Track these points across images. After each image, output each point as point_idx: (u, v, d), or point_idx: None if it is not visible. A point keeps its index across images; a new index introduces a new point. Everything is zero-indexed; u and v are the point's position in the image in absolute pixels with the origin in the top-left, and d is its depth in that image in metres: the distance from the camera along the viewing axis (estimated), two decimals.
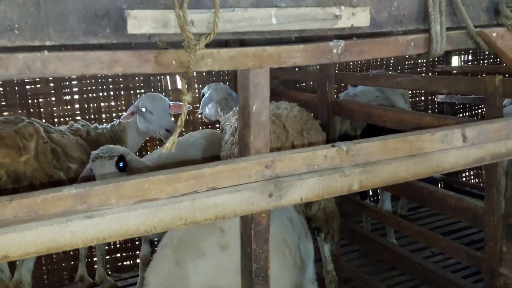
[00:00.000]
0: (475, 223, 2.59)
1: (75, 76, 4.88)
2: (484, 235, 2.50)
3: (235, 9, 1.38)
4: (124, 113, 4.90)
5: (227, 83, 4.98)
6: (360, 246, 4.05)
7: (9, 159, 3.40)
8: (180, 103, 4.47)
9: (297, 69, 5.49)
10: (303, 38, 1.55)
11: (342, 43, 1.53)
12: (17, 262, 3.74)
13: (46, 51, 1.22)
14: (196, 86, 5.45)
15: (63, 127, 4.07)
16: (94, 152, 3.42)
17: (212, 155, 4.45)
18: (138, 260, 5.32)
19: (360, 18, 1.49)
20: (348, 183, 1.57)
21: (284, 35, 1.47)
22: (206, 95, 4.41)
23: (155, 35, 1.31)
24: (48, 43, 1.20)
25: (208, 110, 4.54)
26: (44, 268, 5.02)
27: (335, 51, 1.53)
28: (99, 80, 5.00)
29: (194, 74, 5.38)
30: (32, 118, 3.77)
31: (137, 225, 1.33)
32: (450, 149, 1.72)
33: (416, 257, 3.11)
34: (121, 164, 3.63)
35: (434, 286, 2.91)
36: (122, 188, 1.33)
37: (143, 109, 4.14)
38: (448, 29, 1.69)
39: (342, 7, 1.46)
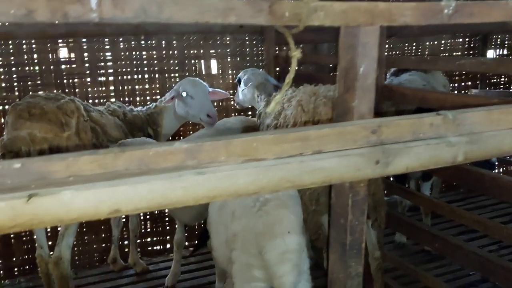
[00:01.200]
0: None
1: (110, 57, 4.83)
2: None
3: None
4: (158, 97, 4.85)
5: (262, 70, 4.90)
6: (407, 235, 3.97)
7: (52, 134, 3.36)
8: (220, 90, 4.42)
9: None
10: None
11: (453, 3, 1.44)
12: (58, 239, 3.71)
13: None
14: (230, 71, 5.37)
15: (100, 108, 4.02)
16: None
17: None
18: (168, 245, 5.29)
19: None
20: (453, 153, 1.49)
21: None
22: (245, 78, 4.30)
23: None
24: None
25: (243, 96, 4.44)
26: (75, 249, 4.98)
27: (446, 11, 1.44)
28: (134, 62, 4.94)
29: (229, 59, 5.32)
30: (72, 96, 3.72)
31: (246, 185, 1.26)
32: None
33: (471, 247, 3.02)
34: None
35: (492, 276, 2.81)
36: (232, 146, 1.25)
37: (184, 94, 4.06)
38: None
39: None
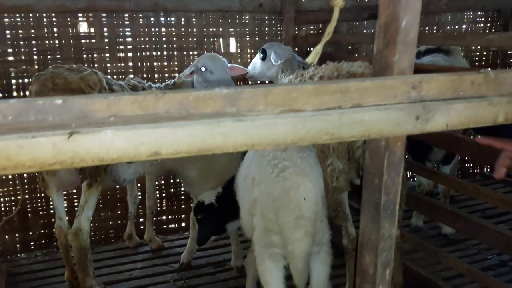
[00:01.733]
0: None
1: (129, 33, 4.82)
2: None
3: None
4: (176, 74, 4.84)
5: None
6: (427, 215, 3.93)
7: None
8: (239, 66, 4.39)
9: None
10: None
11: None
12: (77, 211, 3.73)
13: None
14: (248, 50, 5.33)
15: (121, 82, 4.02)
16: None
17: None
18: (183, 224, 5.30)
19: None
20: (494, 113, 1.45)
21: None
22: (274, 52, 4.14)
23: None
24: None
25: (264, 70, 4.33)
26: (91, 225, 5.00)
27: None
28: (153, 39, 4.92)
29: (247, 38, 5.28)
30: (94, 69, 3.71)
31: (285, 134, 1.23)
32: None
33: (496, 226, 2.98)
34: None
35: None
36: (271, 94, 1.23)
37: (203, 69, 4.04)
38: None
39: None
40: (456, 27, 5.86)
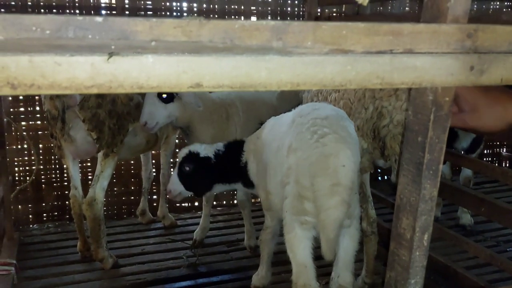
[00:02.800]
0: None
1: (150, 6, 4.75)
2: None
3: None
4: None
5: None
6: (450, 200, 3.84)
7: None
8: None
9: None
10: None
11: None
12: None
13: None
14: None
15: None
16: None
17: (285, 101, 4.32)
18: (196, 203, 5.25)
19: None
20: None
21: None
22: None
23: None
24: None
25: None
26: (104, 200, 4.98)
27: None
28: (174, 14, 4.86)
29: (269, 17, 5.19)
30: None
31: (333, 75, 1.15)
32: None
33: None
34: (163, 96, 3.52)
35: None
36: (320, 30, 1.14)
37: None
38: None
39: None
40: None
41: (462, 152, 4.54)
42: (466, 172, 4.59)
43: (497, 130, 1.70)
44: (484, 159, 6.43)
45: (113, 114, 3.58)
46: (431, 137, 1.40)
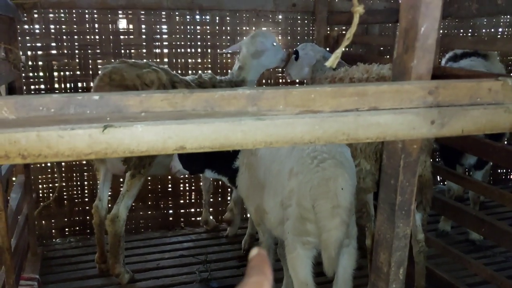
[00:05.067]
0: None
1: (165, 30, 4.96)
2: None
3: None
4: (209, 71, 4.95)
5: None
6: (453, 219, 3.92)
7: None
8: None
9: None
10: None
11: None
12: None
13: None
14: None
15: (190, 77, 4.17)
16: None
17: None
18: (211, 217, 5.43)
19: None
20: (511, 120, 1.48)
21: None
22: (304, 53, 4.35)
23: None
24: None
25: (297, 70, 4.49)
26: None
27: None
28: (188, 36, 5.05)
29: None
30: (161, 66, 3.89)
31: (302, 134, 1.31)
32: None
33: None
34: None
35: None
36: (290, 96, 1.31)
37: (262, 47, 4.39)
38: None
39: None
40: (493, 30, 5.77)
41: (470, 169, 4.61)
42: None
43: None
44: (498, 171, 6.46)
45: None
46: (401, 181, 1.54)
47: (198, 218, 5.45)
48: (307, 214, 2.65)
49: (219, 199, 5.53)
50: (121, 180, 4.99)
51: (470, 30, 5.66)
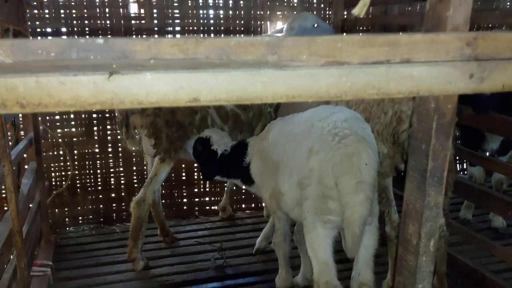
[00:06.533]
0: None
1: (178, 14, 4.86)
2: None
3: None
4: None
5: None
6: (477, 203, 3.77)
7: None
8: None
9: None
10: None
11: None
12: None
13: None
14: None
15: None
16: None
17: None
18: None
19: None
20: None
21: None
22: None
23: None
24: None
25: None
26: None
27: None
28: (201, 21, 4.95)
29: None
30: None
31: (328, 87, 1.19)
32: None
33: None
34: None
35: None
36: (314, 44, 1.18)
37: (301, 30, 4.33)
38: None
39: None
40: None
41: (493, 154, 4.43)
42: (499, 174, 4.48)
43: None
44: None
45: (172, 123, 3.78)
46: (434, 145, 1.41)
47: (212, 207, 5.36)
48: (330, 192, 2.58)
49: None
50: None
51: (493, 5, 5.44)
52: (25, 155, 4.16)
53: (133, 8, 4.77)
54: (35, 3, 4.31)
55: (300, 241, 3.58)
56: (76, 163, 4.94)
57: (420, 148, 1.46)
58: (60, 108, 1.03)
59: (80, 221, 5.08)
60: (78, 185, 5.01)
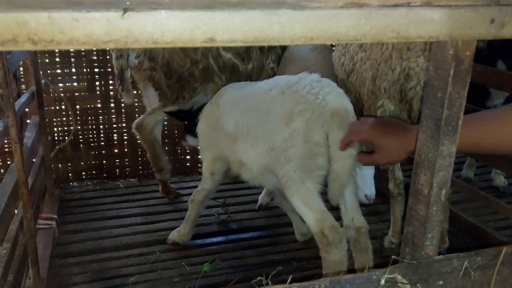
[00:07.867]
0: None
1: None
2: None
3: None
4: None
5: None
6: (481, 161, 3.78)
7: None
8: None
9: None
10: None
11: None
12: None
13: None
14: None
15: None
16: None
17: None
18: None
19: None
20: None
21: None
22: None
23: None
24: None
25: None
26: (139, 160, 5.18)
27: None
28: None
29: None
30: None
31: (347, 29, 1.16)
32: None
33: None
34: None
35: None
36: None
37: None
38: None
39: None
40: None
41: None
42: None
43: (402, 159, 2.05)
44: None
45: (170, 75, 3.93)
46: (450, 93, 1.39)
47: None
48: (319, 149, 2.66)
49: None
50: None
51: None
52: (27, 110, 4.14)
53: None
54: None
55: (281, 202, 3.75)
56: (78, 118, 4.92)
57: (435, 96, 1.44)
58: (73, 46, 1.00)
59: (84, 177, 5.10)
60: (80, 140, 5.01)
